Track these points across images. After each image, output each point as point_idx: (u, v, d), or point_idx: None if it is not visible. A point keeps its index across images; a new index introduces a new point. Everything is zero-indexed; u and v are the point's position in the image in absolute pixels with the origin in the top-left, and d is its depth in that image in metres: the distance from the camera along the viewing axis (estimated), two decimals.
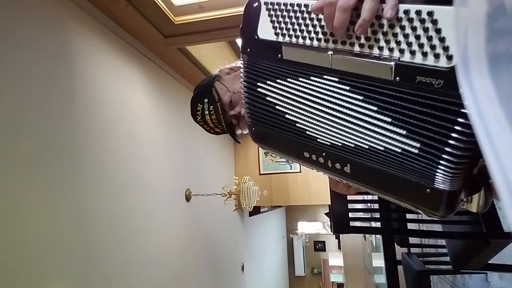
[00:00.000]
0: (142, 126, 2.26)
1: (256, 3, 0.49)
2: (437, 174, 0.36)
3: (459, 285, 2.05)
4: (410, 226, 1.75)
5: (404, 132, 0.38)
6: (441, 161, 0.35)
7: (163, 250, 2.33)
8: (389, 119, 0.39)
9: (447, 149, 0.34)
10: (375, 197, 1.35)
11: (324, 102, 0.44)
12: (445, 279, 2.31)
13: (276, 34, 0.47)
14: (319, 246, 10.22)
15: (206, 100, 0.78)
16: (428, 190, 0.38)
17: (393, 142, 0.39)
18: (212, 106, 0.78)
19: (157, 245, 2.26)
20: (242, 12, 0.51)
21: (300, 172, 4.15)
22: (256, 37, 0.50)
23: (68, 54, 1.65)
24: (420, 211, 0.43)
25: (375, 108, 0.40)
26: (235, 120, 0.79)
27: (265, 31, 0.49)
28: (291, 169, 4.21)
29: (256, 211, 4.81)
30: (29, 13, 1.44)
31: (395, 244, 1.88)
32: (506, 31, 0.21)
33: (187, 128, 2.87)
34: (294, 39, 0.45)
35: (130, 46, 2.18)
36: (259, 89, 0.52)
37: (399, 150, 0.39)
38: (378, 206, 1.30)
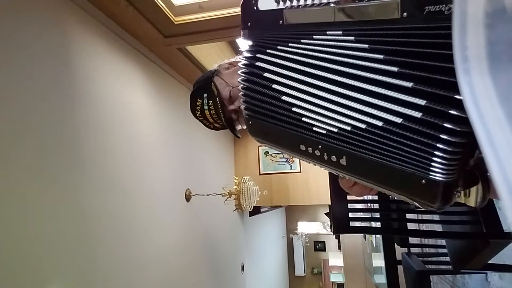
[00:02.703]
0: (142, 126, 2.26)
1: None
2: (433, 162, 0.35)
3: (459, 285, 2.05)
4: (410, 226, 1.75)
5: (410, 85, 0.35)
6: (441, 135, 0.33)
7: (163, 250, 2.33)
8: (395, 69, 0.36)
9: (451, 112, 0.32)
10: (375, 197, 1.35)
11: (325, 64, 0.42)
12: (445, 279, 2.31)
13: (277, 1, 0.47)
14: (319, 246, 10.22)
15: (205, 95, 0.77)
16: (423, 181, 0.36)
17: (395, 107, 0.37)
18: (211, 101, 0.77)
19: (157, 245, 2.26)
20: None
21: (300, 172, 4.15)
22: (256, 9, 0.50)
23: (68, 54, 1.65)
24: (416, 203, 0.42)
25: (381, 57, 0.37)
26: (235, 115, 0.79)
27: (266, 2, 0.48)
28: (291, 169, 4.21)
29: (256, 211, 4.81)
30: (29, 13, 1.44)
31: (395, 244, 1.88)
32: (506, 31, 0.21)
33: (187, 128, 2.87)
34: (295, 2, 0.45)
35: (130, 46, 2.18)
36: (257, 63, 0.50)
37: (399, 121, 0.36)
38: (378, 206, 1.30)
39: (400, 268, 1.81)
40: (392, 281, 1.82)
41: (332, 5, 0.41)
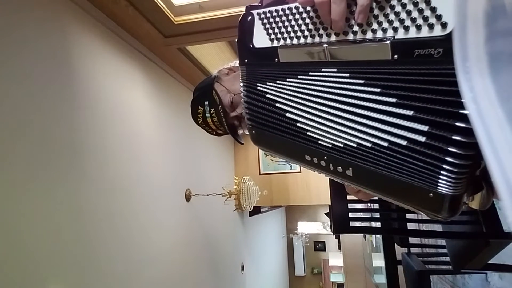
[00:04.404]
0: (142, 126, 2.26)
1: (250, 17, 0.50)
2: (440, 178, 0.35)
3: (459, 285, 2.05)
4: (410, 226, 1.75)
5: (411, 113, 0.36)
6: (446, 158, 0.34)
7: (162, 250, 2.33)
8: (393, 100, 0.37)
9: (455, 135, 0.33)
10: (375, 197, 1.35)
11: (324, 94, 0.44)
12: (445, 279, 2.31)
13: (271, 40, 0.48)
14: (319, 246, 10.21)
15: (206, 103, 0.77)
16: (431, 194, 0.37)
17: (398, 131, 0.37)
18: (213, 109, 0.77)
19: (157, 245, 2.26)
20: (238, 25, 0.53)
21: (300, 172, 4.15)
22: (252, 46, 0.51)
23: (68, 54, 1.65)
24: (422, 213, 0.42)
25: (378, 90, 0.38)
26: (237, 121, 0.79)
27: (261, 40, 0.50)
28: (291, 169, 4.21)
29: (256, 211, 4.81)
30: (29, 13, 1.44)
31: (395, 244, 1.88)
32: (506, 31, 0.21)
33: (187, 128, 2.87)
34: (288, 41, 0.46)
35: (130, 46, 2.18)
36: (259, 87, 0.52)
37: (404, 143, 0.37)
38: (378, 206, 1.30)
39: (400, 268, 1.81)
40: (392, 281, 1.82)
41: (325, 45, 0.42)
